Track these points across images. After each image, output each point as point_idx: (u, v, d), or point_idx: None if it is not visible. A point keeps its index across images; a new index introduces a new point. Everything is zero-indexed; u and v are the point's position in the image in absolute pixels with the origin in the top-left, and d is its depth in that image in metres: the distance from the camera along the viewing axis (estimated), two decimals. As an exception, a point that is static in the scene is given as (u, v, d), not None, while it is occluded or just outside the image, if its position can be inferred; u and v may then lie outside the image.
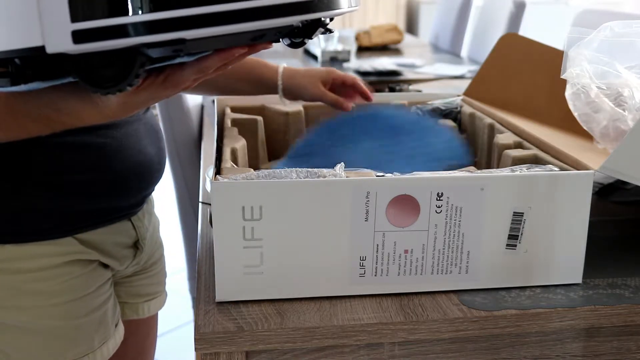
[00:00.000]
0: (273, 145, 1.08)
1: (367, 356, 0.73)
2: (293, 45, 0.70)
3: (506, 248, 0.76)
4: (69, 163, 0.80)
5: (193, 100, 1.70)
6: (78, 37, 0.51)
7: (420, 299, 0.74)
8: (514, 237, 0.76)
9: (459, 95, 1.18)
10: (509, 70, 1.13)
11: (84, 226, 0.83)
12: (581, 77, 0.86)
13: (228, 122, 0.98)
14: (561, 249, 0.77)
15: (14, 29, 0.53)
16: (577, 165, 0.79)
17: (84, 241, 0.83)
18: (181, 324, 2.36)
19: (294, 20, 0.57)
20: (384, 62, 2.44)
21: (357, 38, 2.86)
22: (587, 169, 0.77)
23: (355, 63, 2.45)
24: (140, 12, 0.50)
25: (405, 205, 0.73)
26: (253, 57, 1.03)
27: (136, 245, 0.93)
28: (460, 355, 0.74)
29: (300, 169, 0.74)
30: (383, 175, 0.75)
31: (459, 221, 0.74)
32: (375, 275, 0.75)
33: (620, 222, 0.96)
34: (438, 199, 0.73)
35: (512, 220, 0.75)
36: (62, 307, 0.82)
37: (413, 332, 0.71)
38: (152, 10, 0.50)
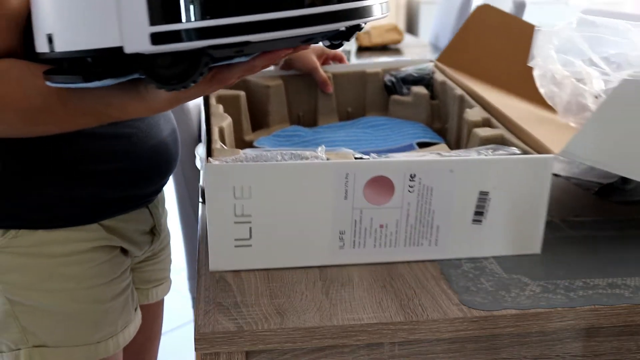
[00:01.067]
0: (256, 116, 1.15)
1: (367, 356, 0.73)
2: (332, 46, 0.76)
3: (472, 223, 0.83)
4: (99, 152, 0.84)
5: (193, 100, 1.70)
6: (155, 39, 0.55)
7: (420, 299, 0.74)
8: (479, 214, 0.83)
9: (431, 61, 1.23)
10: (482, 39, 1.19)
11: (110, 213, 0.88)
12: (548, 63, 0.96)
13: (213, 100, 1.04)
14: (522, 223, 0.84)
15: (92, 30, 0.57)
16: (539, 148, 0.85)
17: (108, 228, 0.87)
18: (181, 324, 2.36)
19: (343, 25, 0.62)
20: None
21: (357, 38, 2.86)
22: (548, 152, 0.83)
23: (356, 63, 2.45)
24: (211, 17, 0.55)
25: (381, 185, 0.80)
26: None
27: (152, 232, 0.98)
28: (460, 355, 0.74)
29: (284, 151, 0.80)
30: (361, 158, 0.81)
31: (430, 199, 0.81)
32: (354, 247, 0.82)
33: (620, 222, 0.96)
34: (411, 179, 0.80)
35: (478, 198, 0.82)
36: (91, 291, 0.86)
37: (413, 332, 0.71)
38: (223, 15, 0.55)
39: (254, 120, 1.15)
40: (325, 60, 1.21)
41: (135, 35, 0.55)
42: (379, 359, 0.73)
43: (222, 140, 0.89)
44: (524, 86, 1.08)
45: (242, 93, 1.10)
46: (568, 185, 1.12)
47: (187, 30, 0.55)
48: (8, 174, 0.81)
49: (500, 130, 0.93)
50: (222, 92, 1.09)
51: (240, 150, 0.82)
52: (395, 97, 1.20)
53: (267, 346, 0.69)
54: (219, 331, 0.68)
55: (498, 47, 1.18)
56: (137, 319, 0.95)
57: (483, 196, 0.82)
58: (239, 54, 0.61)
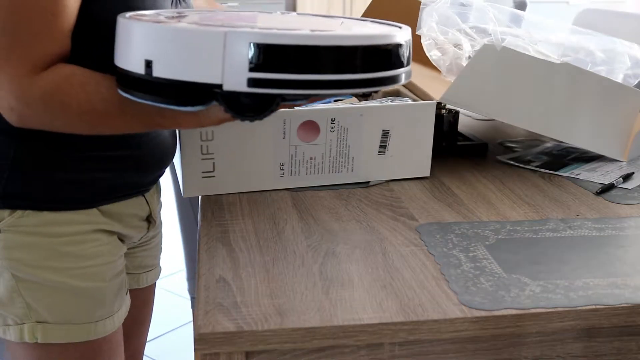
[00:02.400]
0: None
1: (367, 356, 0.72)
2: (363, 96, 0.97)
3: (378, 154, 1.10)
4: (106, 139, 0.89)
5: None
6: (251, 83, 0.67)
7: (420, 299, 0.74)
8: (383, 147, 1.09)
9: None
10: (384, 16, 1.45)
11: (110, 199, 0.93)
12: (431, 32, 1.23)
13: None
14: (414, 154, 1.12)
15: (198, 67, 0.68)
16: (425, 97, 1.14)
17: (106, 213, 0.93)
18: (181, 324, 2.36)
19: (387, 88, 0.76)
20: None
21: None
22: (431, 99, 1.12)
23: None
24: (298, 73, 0.67)
25: (310, 127, 1.04)
26: None
27: (148, 219, 1.04)
28: (461, 356, 0.74)
29: None
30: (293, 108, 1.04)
31: (346, 137, 1.07)
32: (291, 175, 1.07)
33: (620, 222, 0.96)
34: (332, 122, 1.05)
35: (382, 135, 1.09)
36: (92, 270, 0.91)
37: (413, 332, 0.71)
38: (309, 72, 0.68)
39: None
40: None
41: (236, 77, 0.67)
42: (379, 359, 0.73)
43: None
44: (416, 52, 1.34)
45: None
46: (568, 185, 1.12)
47: (277, 81, 0.67)
48: (20, 156, 0.86)
49: (396, 86, 1.11)
50: None
51: None
52: None
53: (267, 346, 0.69)
54: (219, 331, 0.68)
55: (396, 22, 1.40)
56: (127, 302, 1.00)
57: (385, 133, 1.08)
58: (303, 99, 0.76)
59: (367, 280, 0.78)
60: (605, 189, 1.08)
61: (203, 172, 1.03)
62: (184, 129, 0.84)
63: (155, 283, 1.19)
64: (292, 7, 5.37)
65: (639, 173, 1.17)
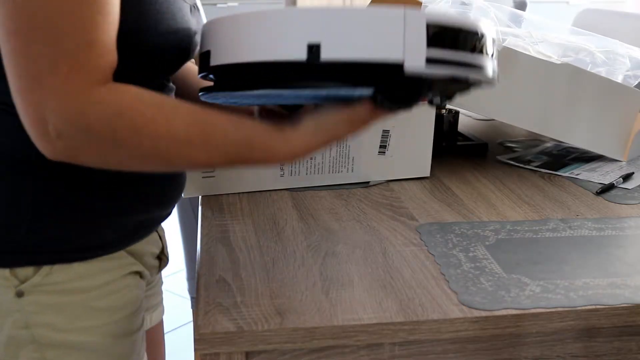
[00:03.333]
0: None
1: (367, 356, 0.72)
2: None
3: (378, 154, 1.10)
4: (130, 176, 0.78)
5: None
6: (430, 61, 0.64)
7: (420, 299, 0.74)
8: (383, 147, 1.09)
9: None
10: None
11: (137, 237, 0.84)
12: None
13: None
14: (414, 154, 1.11)
15: (379, 44, 0.65)
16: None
17: (132, 253, 0.83)
18: (181, 324, 2.36)
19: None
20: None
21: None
22: None
23: None
24: (470, 52, 0.66)
25: None
26: None
27: (159, 256, 0.94)
28: (461, 356, 0.74)
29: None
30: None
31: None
32: (291, 175, 1.06)
33: (620, 222, 0.96)
34: None
35: (382, 135, 1.09)
36: (121, 323, 0.82)
37: (413, 332, 0.71)
38: (477, 52, 0.67)
39: None
40: None
41: (416, 55, 0.64)
42: (379, 359, 0.73)
43: None
44: None
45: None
46: (568, 185, 1.12)
47: (453, 61, 0.65)
48: (41, 201, 0.73)
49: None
50: None
51: None
52: None
53: (267, 346, 0.69)
54: (219, 331, 0.68)
55: None
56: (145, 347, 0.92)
57: (385, 133, 1.08)
58: (454, 91, 0.73)
59: (367, 280, 0.78)
60: (605, 189, 1.08)
61: (203, 172, 1.03)
62: (275, 164, 0.69)
63: (162, 321, 1.08)
64: (292, 5, 5.37)
65: (639, 173, 1.17)
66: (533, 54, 1.16)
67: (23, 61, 0.60)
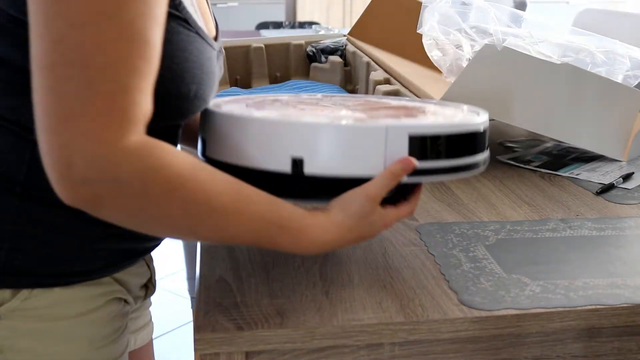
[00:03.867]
0: None
1: (367, 356, 0.72)
2: None
3: None
4: None
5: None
6: (410, 173, 0.70)
7: (420, 299, 0.74)
8: None
9: (344, 35, 1.53)
10: (383, 17, 1.49)
11: (123, 265, 0.80)
12: (432, 31, 1.23)
13: None
14: None
15: (358, 161, 0.70)
16: (425, 97, 1.13)
17: (117, 280, 0.80)
18: (181, 324, 2.36)
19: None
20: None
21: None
22: (432, 99, 1.09)
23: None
24: (450, 159, 0.72)
25: None
26: None
27: (146, 285, 0.90)
28: (461, 356, 0.74)
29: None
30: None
31: None
32: None
33: (620, 222, 0.96)
34: None
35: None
36: (105, 349, 0.78)
37: (413, 333, 0.71)
38: (458, 156, 0.74)
39: None
40: None
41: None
42: (379, 359, 0.73)
43: None
44: (417, 53, 1.32)
45: None
46: (568, 185, 1.12)
47: (433, 169, 0.71)
48: (23, 222, 0.69)
49: (397, 86, 1.21)
50: None
51: None
52: (316, 64, 1.47)
53: (267, 346, 0.69)
54: (219, 331, 0.68)
55: (396, 22, 1.47)
56: None
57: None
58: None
59: (367, 281, 0.78)
60: (605, 189, 1.08)
61: None
62: (305, 251, 0.69)
63: (151, 341, 1.01)
64: (292, 6, 5.37)
65: (639, 173, 1.17)
66: (533, 54, 1.16)
67: (53, 99, 0.56)
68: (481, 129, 0.76)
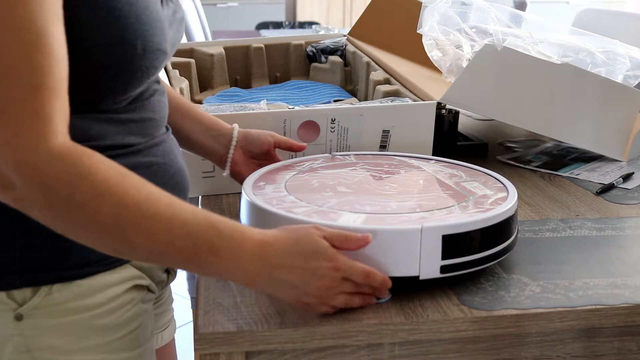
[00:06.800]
0: (202, 79, 1.39)
1: (367, 356, 0.72)
2: None
3: None
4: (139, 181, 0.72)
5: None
6: (443, 270, 0.74)
7: (420, 299, 0.74)
8: (383, 147, 1.10)
9: (344, 36, 1.52)
10: (383, 17, 1.49)
11: None
12: (432, 31, 1.23)
13: (169, 66, 1.29)
14: (415, 152, 1.06)
15: (397, 264, 0.72)
16: (425, 97, 1.13)
17: (138, 266, 0.79)
18: (181, 324, 2.36)
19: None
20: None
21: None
22: (431, 99, 1.11)
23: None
24: (480, 252, 0.76)
25: (310, 127, 1.05)
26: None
27: (167, 269, 0.90)
28: (461, 356, 0.74)
29: (234, 104, 1.08)
30: (293, 108, 1.07)
31: (347, 137, 1.07)
32: None
33: (620, 222, 0.96)
34: (332, 122, 1.06)
35: (382, 135, 1.09)
36: (129, 337, 0.78)
37: (413, 333, 0.71)
38: (487, 249, 0.77)
39: (201, 83, 1.39)
40: (276, 144, 1.02)
41: (430, 267, 0.73)
42: (379, 359, 0.73)
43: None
44: (417, 53, 1.33)
45: (192, 60, 1.35)
46: (568, 185, 1.12)
47: (465, 263, 0.74)
48: (31, 219, 0.66)
49: (397, 86, 1.21)
50: (175, 59, 1.32)
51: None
52: (315, 64, 1.47)
53: (267, 346, 0.69)
54: (219, 331, 0.68)
55: (396, 22, 1.47)
56: None
57: (385, 133, 1.08)
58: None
59: (367, 280, 0.78)
60: (605, 189, 1.08)
61: (203, 172, 1.03)
62: (231, 277, 0.68)
63: (174, 339, 1.02)
64: (292, 6, 5.37)
65: (639, 173, 1.17)
66: (533, 54, 1.16)
67: None
68: (512, 212, 0.80)
